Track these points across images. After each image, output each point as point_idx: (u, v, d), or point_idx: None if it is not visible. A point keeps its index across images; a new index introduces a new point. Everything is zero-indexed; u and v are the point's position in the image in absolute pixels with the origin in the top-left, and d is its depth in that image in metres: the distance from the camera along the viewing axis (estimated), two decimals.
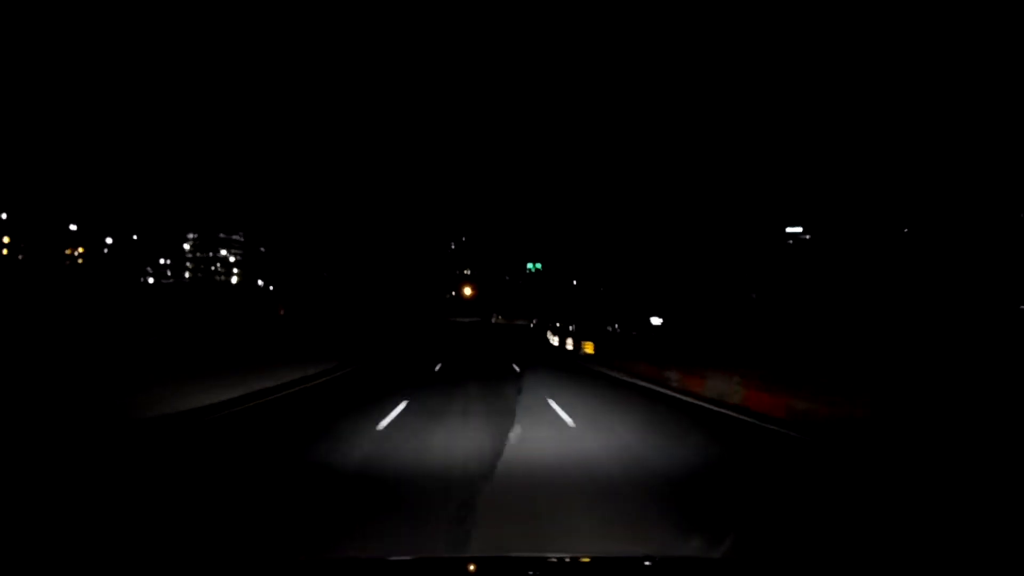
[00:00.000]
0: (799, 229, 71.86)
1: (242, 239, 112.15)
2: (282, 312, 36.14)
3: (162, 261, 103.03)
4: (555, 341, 38.91)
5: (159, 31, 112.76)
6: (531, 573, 2.22)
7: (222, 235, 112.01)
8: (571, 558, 2.84)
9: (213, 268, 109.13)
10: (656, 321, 45.15)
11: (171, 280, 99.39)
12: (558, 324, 56.42)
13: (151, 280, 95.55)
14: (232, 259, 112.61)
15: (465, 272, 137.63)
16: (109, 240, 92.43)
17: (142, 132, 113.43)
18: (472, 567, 2.36)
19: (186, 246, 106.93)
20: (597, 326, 48.12)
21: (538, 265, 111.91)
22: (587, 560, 2.73)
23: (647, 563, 2.38)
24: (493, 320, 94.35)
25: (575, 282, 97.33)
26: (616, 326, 50.57)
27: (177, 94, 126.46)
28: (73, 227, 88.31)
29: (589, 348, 30.42)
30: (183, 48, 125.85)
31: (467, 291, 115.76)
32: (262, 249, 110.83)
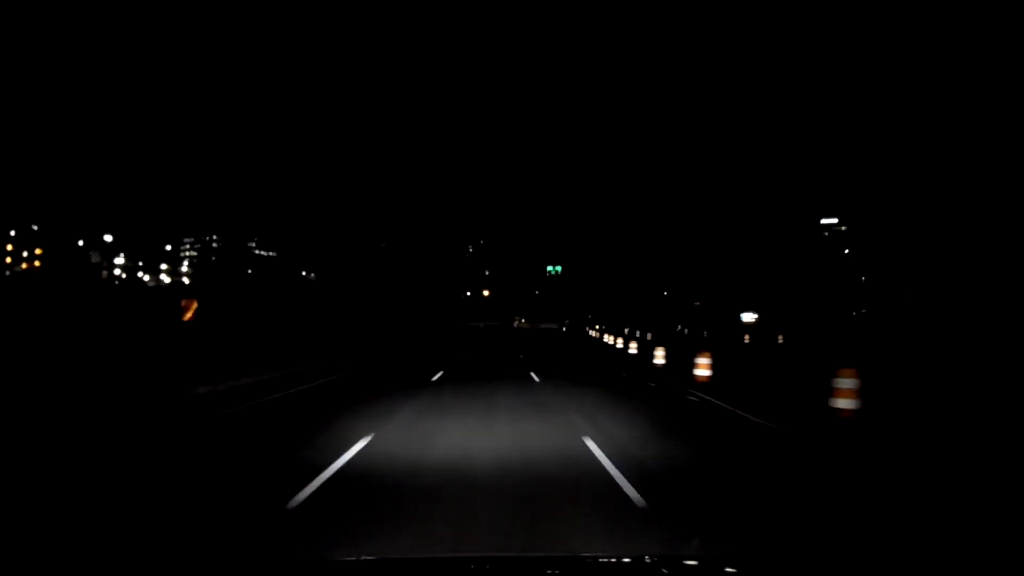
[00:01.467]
0: (834, 220, 72.77)
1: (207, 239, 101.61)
2: (190, 315, 22.04)
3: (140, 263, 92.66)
4: (617, 344, 26.53)
5: (156, 28, 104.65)
6: (532, 573, 2.13)
7: (217, 239, 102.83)
8: (572, 558, 2.84)
9: (184, 270, 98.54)
10: (747, 318, 32.02)
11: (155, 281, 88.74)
12: (599, 326, 43.90)
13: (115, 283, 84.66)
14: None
15: (484, 273, 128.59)
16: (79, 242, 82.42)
17: (138, 130, 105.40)
18: (473, 567, 2.21)
19: (169, 247, 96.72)
20: (663, 327, 35.03)
21: (558, 268, 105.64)
22: (588, 560, 2.64)
23: (648, 563, 2.31)
24: (515, 324, 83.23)
25: (606, 281, 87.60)
26: (684, 327, 37.44)
27: (186, 98, 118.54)
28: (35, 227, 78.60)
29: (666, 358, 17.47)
30: (183, 47, 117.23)
31: (485, 294, 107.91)
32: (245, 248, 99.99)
